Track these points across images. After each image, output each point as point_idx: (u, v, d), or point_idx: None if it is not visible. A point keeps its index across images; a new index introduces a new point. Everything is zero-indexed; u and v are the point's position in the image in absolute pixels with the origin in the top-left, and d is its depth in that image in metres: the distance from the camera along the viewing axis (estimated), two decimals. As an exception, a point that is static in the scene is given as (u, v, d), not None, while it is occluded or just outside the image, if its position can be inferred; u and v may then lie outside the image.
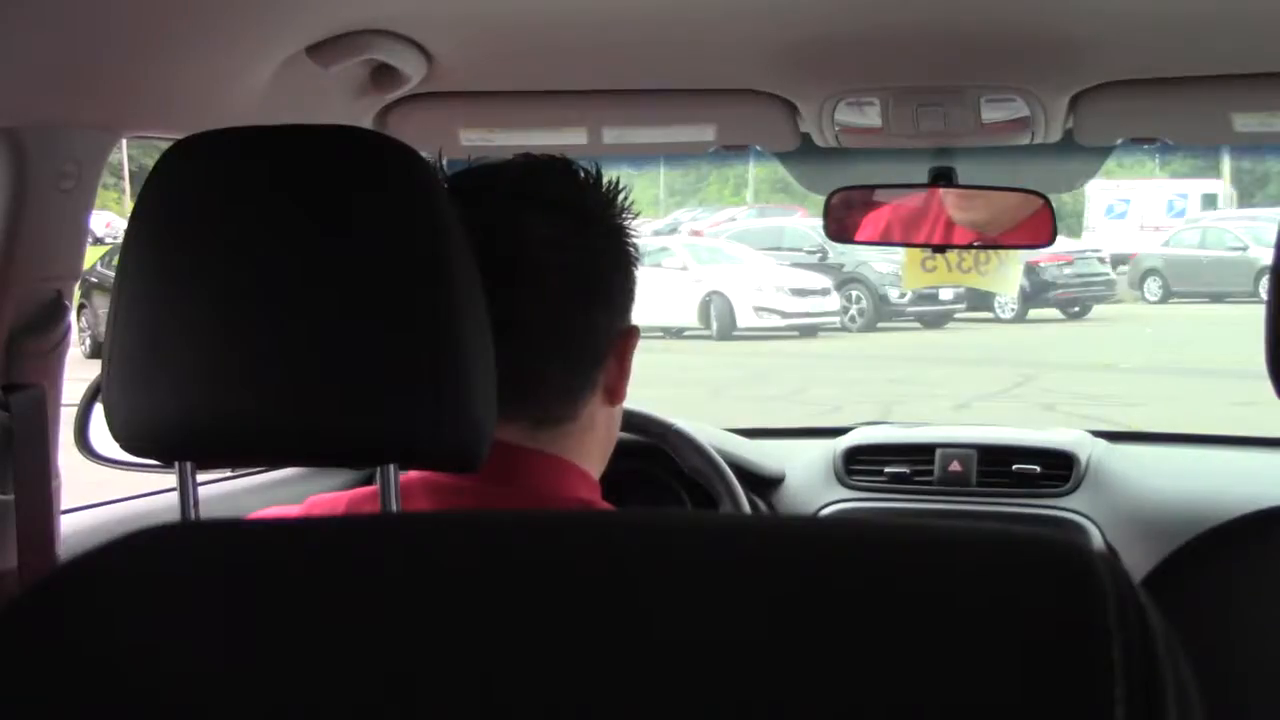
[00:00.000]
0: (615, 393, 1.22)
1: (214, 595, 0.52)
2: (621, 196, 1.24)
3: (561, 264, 1.17)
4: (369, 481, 1.27)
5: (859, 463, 2.51)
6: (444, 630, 0.50)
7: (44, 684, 0.51)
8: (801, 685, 0.46)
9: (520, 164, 1.24)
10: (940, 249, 2.12)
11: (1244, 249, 17.17)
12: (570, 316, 1.17)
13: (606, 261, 1.20)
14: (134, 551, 0.55)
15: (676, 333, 14.83)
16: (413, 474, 1.16)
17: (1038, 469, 2.43)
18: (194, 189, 1.09)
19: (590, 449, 1.22)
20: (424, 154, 1.12)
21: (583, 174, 1.23)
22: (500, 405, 1.07)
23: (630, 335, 1.22)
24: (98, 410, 1.76)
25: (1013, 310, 16.31)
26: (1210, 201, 22.60)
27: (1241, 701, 1.08)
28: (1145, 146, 1.90)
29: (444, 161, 1.25)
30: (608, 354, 1.21)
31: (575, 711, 0.47)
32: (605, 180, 1.23)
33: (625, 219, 1.23)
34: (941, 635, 0.46)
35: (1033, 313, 16.49)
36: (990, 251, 2.24)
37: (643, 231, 1.27)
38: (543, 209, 1.18)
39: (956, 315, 16.26)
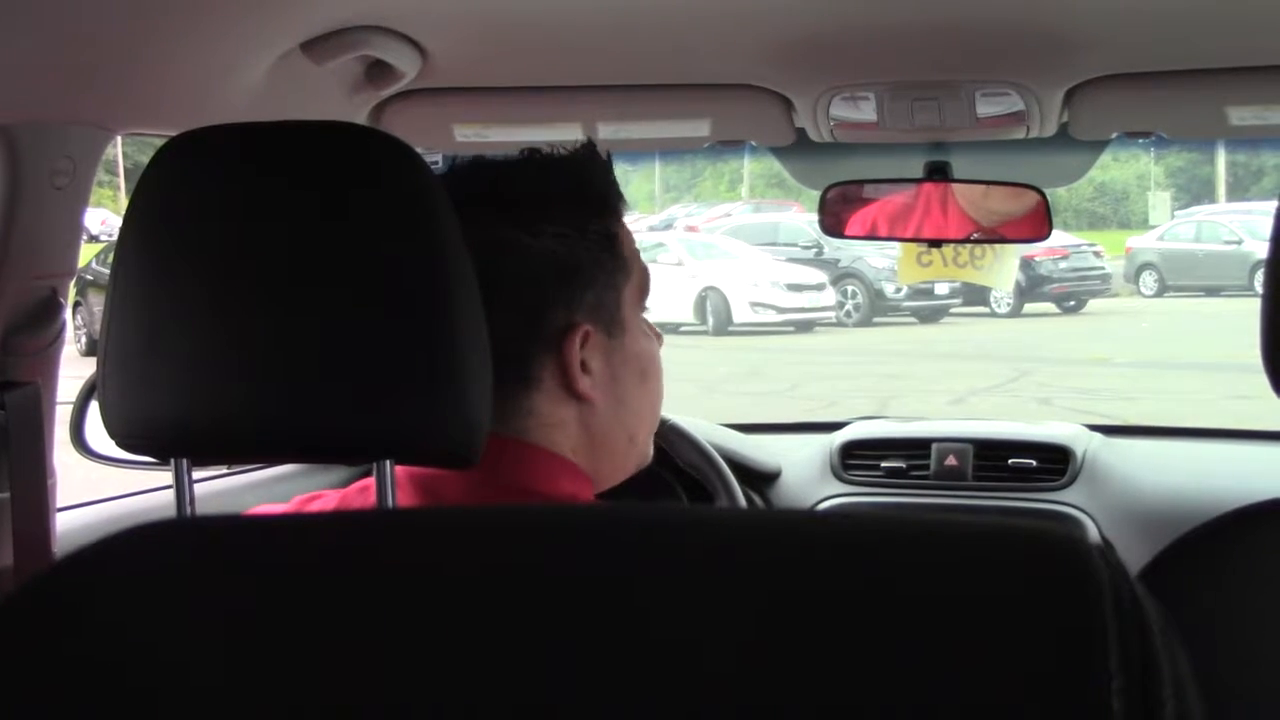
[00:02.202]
0: (573, 390, 1.19)
1: (212, 591, 0.52)
2: (580, 182, 1.20)
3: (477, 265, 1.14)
4: (364, 477, 1.28)
5: (855, 458, 2.51)
6: (443, 628, 0.50)
7: (40, 681, 0.51)
8: (799, 683, 0.46)
9: (463, 162, 1.23)
10: (936, 243, 2.12)
11: (1239, 242, 17.20)
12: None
13: (511, 261, 1.16)
14: (130, 548, 0.55)
15: (672, 328, 14.83)
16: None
17: (1034, 463, 2.43)
18: (189, 186, 1.09)
19: (565, 446, 1.20)
20: (419, 149, 1.12)
21: (518, 165, 1.20)
22: None
23: (570, 331, 1.18)
24: (93, 408, 1.76)
25: (1008, 305, 16.32)
26: None
27: (1236, 693, 1.09)
28: (1140, 140, 1.90)
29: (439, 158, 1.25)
30: (538, 353, 1.18)
31: (573, 711, 0.47)
32: (574, 165, 1.21)
33: (584, 207, 1.20)
34: (938, 629, 0.46)
35: (1028, 307, 16.51)
36: (986, 246, 2.24)
37: (638, 227, 1.26)
38: (464, 209, 1.13)
39: (952, 310, 16.28)
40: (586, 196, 1.21)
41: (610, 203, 1.23)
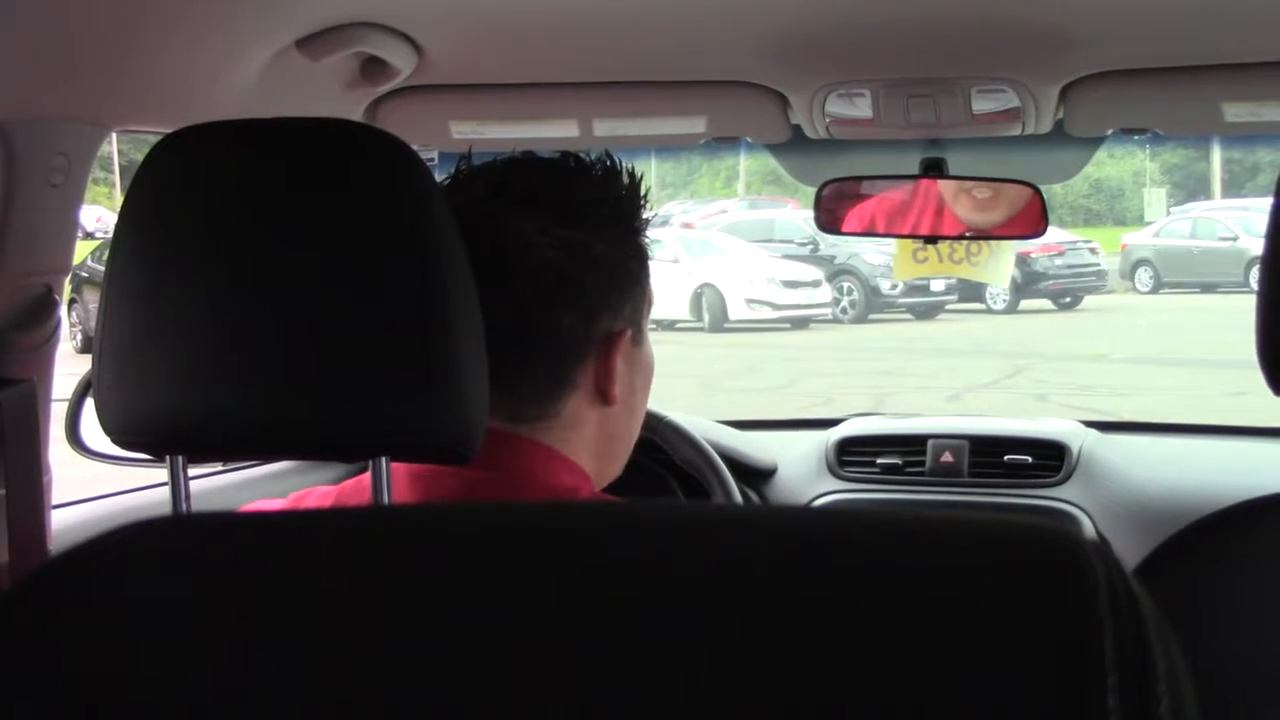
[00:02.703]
0: (605, 394, 1.21)
1: (207, 589, 0.52)
2: (623, 191, 1.22)
3: (528, 265, 1.16)
4: (358, 473, 1.28)
5: (851, 454, 2.52)
6: (440, 626, 0.50)
7: (36, 679, 0.51)
8: (795, 682, 0.46)
9: (501, 162, 1.24)
10: (931, 240, 2.12)
11: (1234, 239, 17.22)
12: (533, 319, 1.17)
13: (579, 262, 1.18)
14: (126, 545, 0.54)
15: (668, 325, 14.83)
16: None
17: (1029, 459, 2.43)
18: (184, 182, 1.09)
19: (577, 446, 1.21)
20: (414, 146, 1.12)
21: (573, 169, 1.22)
22: None
23: (615, 337, 1.20)
24: (88, 405, 1.76)
25: (1004, 301, 16.33)
26: None
27: (1230, 690, 1.09)
28: (1136, 137, 1.90)
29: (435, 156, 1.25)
30: (584, 356, 1.19)
31: (568, 711, 0.47)
32: (615, 174, 1.23)
33: (627, 216, 1.23)
34: (932, 627, 0.46)
35: (1024, 304, 16.52)
36: (982, 242, 2.25)
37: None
38: (516, 208, 1.17)
39: (948, 306, 16.28)
40: (635, 206, 1.24)
41: (645, 213, 1.25)
